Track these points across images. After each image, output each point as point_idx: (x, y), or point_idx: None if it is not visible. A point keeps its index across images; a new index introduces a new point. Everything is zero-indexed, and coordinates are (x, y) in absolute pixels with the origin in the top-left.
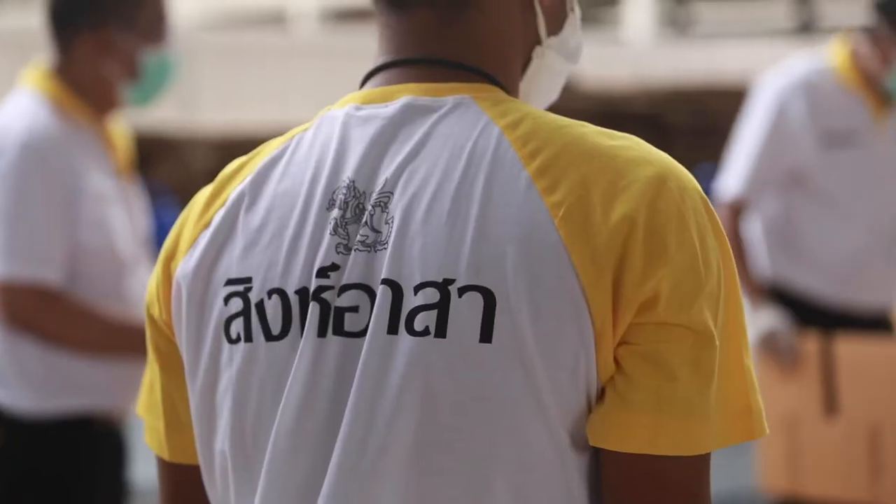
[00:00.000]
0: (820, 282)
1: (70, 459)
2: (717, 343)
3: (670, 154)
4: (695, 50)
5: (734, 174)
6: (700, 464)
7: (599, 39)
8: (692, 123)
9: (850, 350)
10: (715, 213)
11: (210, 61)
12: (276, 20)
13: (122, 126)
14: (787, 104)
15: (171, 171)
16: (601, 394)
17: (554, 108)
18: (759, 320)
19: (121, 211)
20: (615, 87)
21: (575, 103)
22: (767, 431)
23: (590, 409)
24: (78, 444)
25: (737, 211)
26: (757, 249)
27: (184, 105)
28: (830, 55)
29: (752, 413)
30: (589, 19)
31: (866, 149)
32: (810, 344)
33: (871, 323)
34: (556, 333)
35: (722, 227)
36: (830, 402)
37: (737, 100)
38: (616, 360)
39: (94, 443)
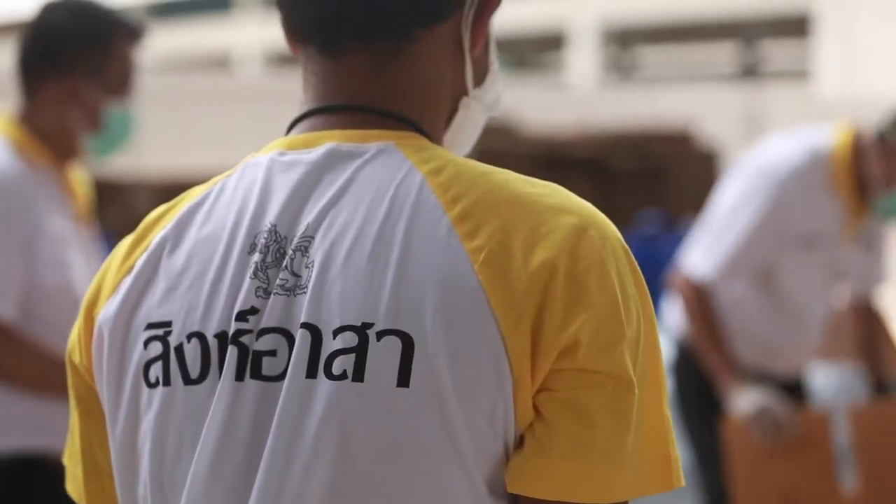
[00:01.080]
0: (740, 348)
1: (23, 500)
2: (637, 391)
3: (614, 199)
4: (638, 94)
5: (711, 257)
6: None
7: (543, 84)
8: (636, 168)
9: (862, 415)
10: (635, 262)
11: (154, 104)
12: (220, 64)
13: (82, 174)
14: (787, 202)
15: (117, 215)
16: (520, 440)
17: (497, 152)
18: (748, 398)
19: (78, 254)
20: (559, 132)
21: (518, 147)
22: (684, 483)
23: (508, 456)
24: (31, 486)
25: (704, 293)
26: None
27: (128, 149)
28: (834, 138)
29: (671, 462)
30: (533, 64)
31: (829, 252)
32: (817, 414)
33: (783, 385)
34: (474, 379)
35: (641, 275)
36: (840, 474)
37: (680, 144)
38: (535, 407)
39: (48, 484)
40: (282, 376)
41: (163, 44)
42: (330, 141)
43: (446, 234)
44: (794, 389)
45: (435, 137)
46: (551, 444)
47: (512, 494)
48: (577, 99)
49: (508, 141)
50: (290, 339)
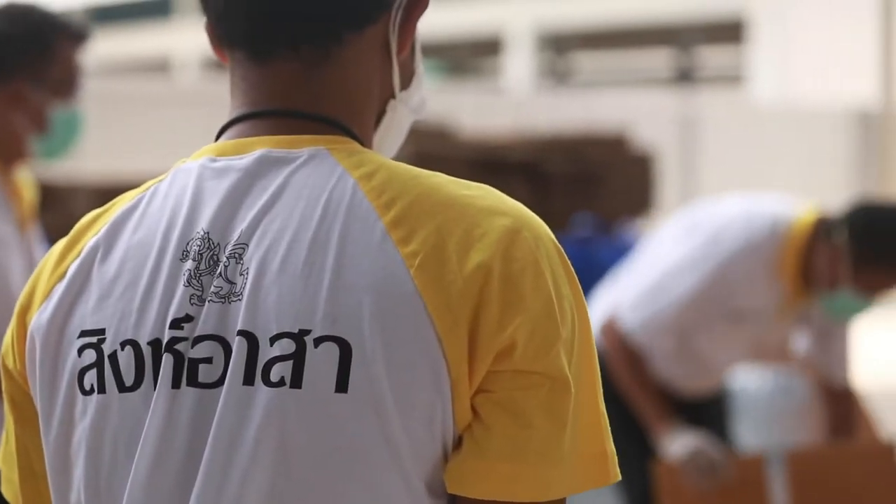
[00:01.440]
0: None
1: None
2: (573, 390)
3: (549, 202)
4: (574, 99)
5: (641, 312)
6: None
7: (480, 89)
8: (571, 171)
9: (798, 458)
10: (568, 262)
11: (93, 109)
12: (160, 68)
13: (27, 177)
14: (731, 280)
15: (55, 219)
16: (458, 441)
17: (434, 156)
18: (681, 441)
19: (20, 259)
20: (495, 136)
21: (455, 151)
22: (620, 477)
23: (446, 458)
24: None
25: (629, 342)
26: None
27: (67, 153)
28: (795, 217)
29: (608, 458)
30: (470, 69)
31: (758, 327)
32: (752, 457)
33: (703, 399)
34: (411, 383)
35: (574, 274)
36: None
37: (615, 148)
38: (473, 408)
39: None
40: (218, 383)
41: (103, 48)
42: (261, 147)
43: (381, 240)
44: (711, 403)
45: (365, 141)
46: (489, 444)
47: (451, 495)
48: (514, 104)
49: (445, 145)
50: (227, 347)
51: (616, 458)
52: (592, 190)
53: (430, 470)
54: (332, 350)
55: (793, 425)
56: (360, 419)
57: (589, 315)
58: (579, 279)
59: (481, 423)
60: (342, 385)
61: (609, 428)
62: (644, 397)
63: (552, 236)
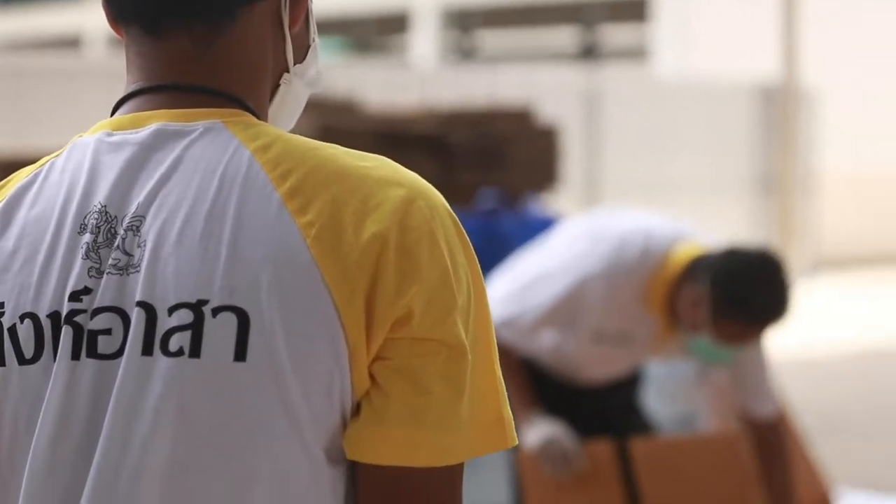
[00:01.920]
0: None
1: None
2: (470, 356)
3: (454, 176)
4: (479, 75)
5: (505, 308)
6: (453, 474)
7: (386, 65)
8: (476, 145)
9: (647, 449)
10: (463, 231)
11: (0, 84)
12: (70, 45)
13: None
14: (588, 295)
15: None
16: (357, 409)
17: (339, 130)
18: (536, 430)
19: None
20: (400, 110)
21: (360, 125)
22: (517, 441)
23: (345, 425)
24: None
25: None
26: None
27: None
28: (672, 251)
29: (504, 423)
30: (376, 46)
31: (633, 349)
32: (603, 447)
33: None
34: (309, 352)
35: (469, 243)
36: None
37: (520, 122)
38: (371, 376)
39: None
40: (118, 354)
41: (13, 26)
42: (156, 121)
43: (277, 211)
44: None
45: (260, 114)
46: (387, 411)
47: (350, 462)
48: (419, 79)
49: (351, 119)
50: (125, 318)
51: (513, 423)
52: (497, 164)
53: (329, 437)
54: (230, 320)
55: (696, 395)
56: (259, 388)
57: (485, 284)
58: (484, 253)
59: (380, 391)
60: (240, 354)
61: (505, 393)
62: (509, 383)
63: (447, 206)
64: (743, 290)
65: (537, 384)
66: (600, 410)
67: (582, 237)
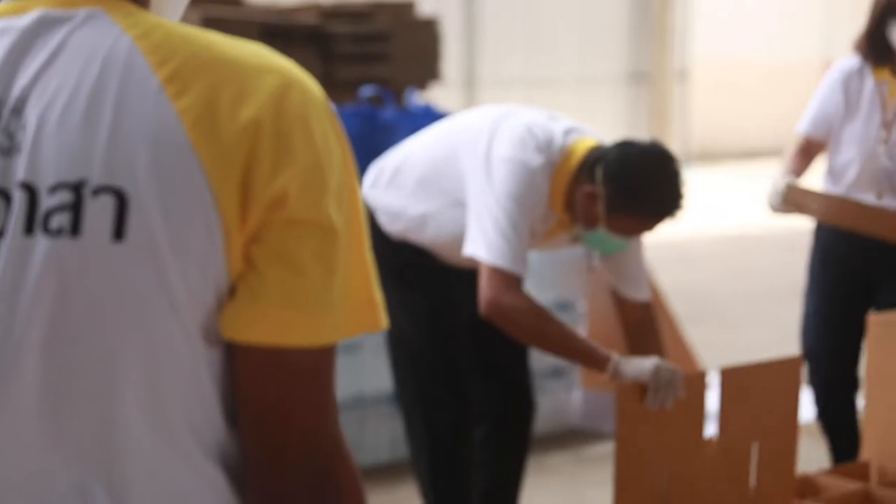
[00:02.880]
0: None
1: None
2: (342, 239)
3: (335, 70)
4: None
5: (496, 247)
6: (326, 355)
7: None
8: (357, 37)
9: (727, 375)
10: (336, 117)
11: None
12: None
13: None
14: (535, 196)
15: None
16: (233, 289)
17: (221, 20)
18: (638, 362)
19: None
20: (283, 3)
21: (243, 16)
22: (388, 324)
23: (221, 306)
24: None
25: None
26: None
27: None
28: (569, 148)
29: (375, 305)
30: None
31: (532, 242)
32: (692, 375)
33: None
34: (186, 232)
35: (342, 130)
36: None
37: (401, 14)
38: (247, 257)
39: None
40: (1, 234)
41: None
42: (39, 7)
43: (156, 95)
44: None
45: (144, 3)
46: (262, 291)
47: (227, 344)
48: None
49: (235, 11)
50: (8, 199)
51: (383, 305)
52: (379, 58)
53: (205, 317)
54: (109, 199)
55: (575, 281)
56: (138, 266)
57: (355, 168)
58: (366, 145)
59: (255, 271)
60: (119, 233)
61: (376, 277)
62: (570, 343)
63: (321, 93)
64: (639, 185)
65: (416, 264)
66: (472, 295)
67: (483, 132)
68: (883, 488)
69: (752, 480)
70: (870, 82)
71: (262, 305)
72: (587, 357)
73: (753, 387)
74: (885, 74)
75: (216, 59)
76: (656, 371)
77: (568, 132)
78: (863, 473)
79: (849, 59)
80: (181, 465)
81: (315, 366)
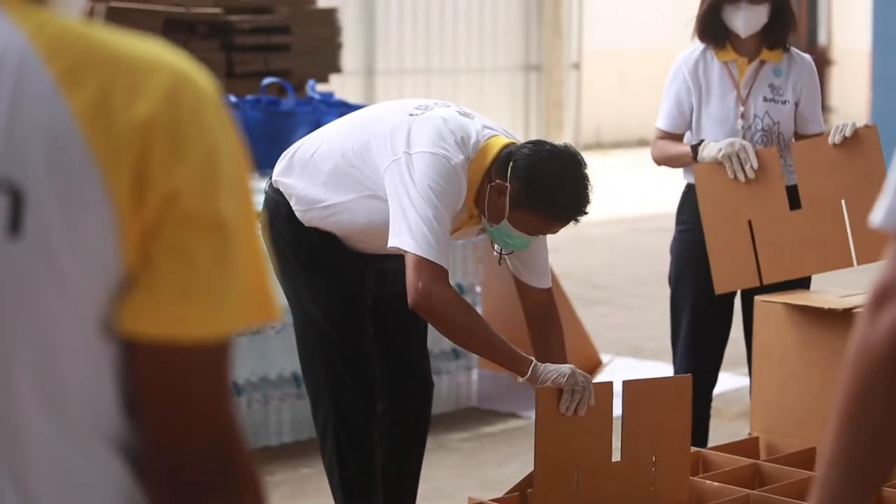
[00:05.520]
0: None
1: None
2: (236, 232)
3: (237, 61)
4: None
5: (423, 240)
6: (222, 346)
7: None
8: (258, 31)
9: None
10: (228, 113)
11: None
12: None
13: None
14: (456, 191)
15: None
16: (129, 283)
17: (124, 12)
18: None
19: None
20: None
21: (146, 6)
22: (281, 314)
23: (116, 299)
24: None
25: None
26: None
27: None
28: (483, 145)
29: (269, 296)
30: None
31: None
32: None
33: None
34: (80, 226)
35: (233, 124)
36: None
37: (303, 5)
38: (143, 251)
39: None
40: None
41: None
42: None
43: (50, 91)
44: None
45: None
46: (157, 285)
47: (124, 338)
48: None
49: (139, 2)
50: None
51: (275, 295)
52: (279, 49)
53: (100, 310)
54: (4, 194)
55: (473, 268)
56: (33, 260)
57: (246, 163)
58: (268, 135)
59: (151, 265)
60: (14, 228)
61: (269, 268)
62: (493, 336)
63: (214, 89)
64: (545, 186)
65: (324, 248)
66: (377, 278)
67: (398, 129)
68: (770, 463)
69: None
70: (716, 65)
71: (157, 299)
72: (508, 358)
73: (651, 400)
74: (730, 54)
75: (110, 55)
76: (572, 376)
77: (484, 128)
78: (752, 450)
79: (689, 50)
80: (81, 456)
81: (211, 356)
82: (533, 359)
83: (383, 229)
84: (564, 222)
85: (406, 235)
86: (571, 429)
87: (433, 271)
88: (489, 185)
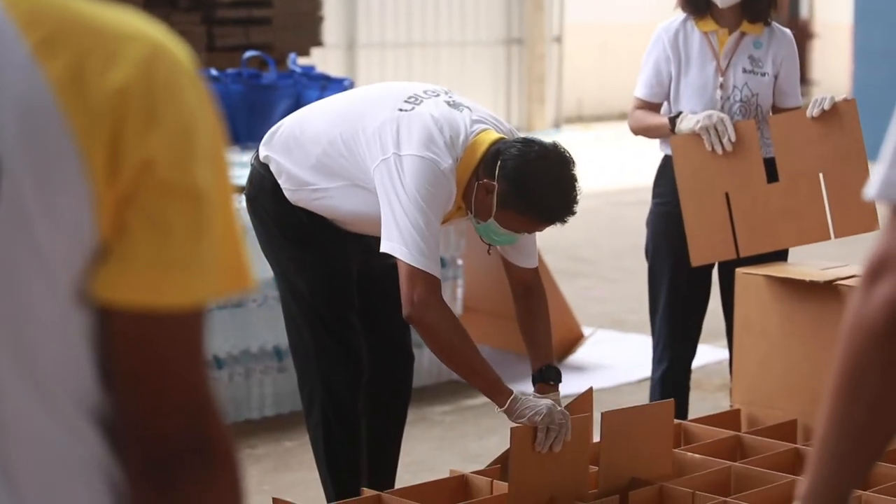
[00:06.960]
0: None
1: None
2: (212, 202)
3: (218, 35)
4: None
5: (416, 249)
6: (196, 315)
7: None
8: (239, 5)
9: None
10: (203, 83)
11: None
12: None
13: None
14: (445, 196)
15: None
16: (104, 252)
17: None
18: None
19: None
20: None
21: None
22: (257, 287)
23: (92, 268)
24: None
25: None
26: None
27: None
28: (473, 141)
29: (245, 267)
30: None
31: None
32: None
33: None
34: (56, 195)
35: (209, 95)
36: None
37: None
38: (119, 220)
39: None
40: None
41: None
42: None
43: (26, 61)
44: None
45: None
46: (133, 253)
47: (99, 304)
48: None
49: None
50: None
51: (251, 267)
52: (261, 22)
53: (76, 279)
54: None
55: (457, 244)
56: (9, 230)
57: (222, 134)
58: (250, 107)
59: (125, 235)
60: None
61: (244, 240)
62: (475, 354)
63: (190, 59)
64: (533, 187)
65: (311, 224)
66: (362, 253)
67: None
68: (752, 435)
69: None
70: (696, 35)
71: (133, 267)
72: (489, 386)
73: (631, 429)
74: (711, 24)
75: (86, 25)
76: (549, 414)
77: (473, 123)
78: (734, 422)
79: (669, 20)
80: (59, 427)
81: (186, 325)
82: (513, 391)
83: (370, 217)
84: (551, 223)
85: (398, 242)
86: (546, 465)
87: (427, 282)
88: (477, 182)
